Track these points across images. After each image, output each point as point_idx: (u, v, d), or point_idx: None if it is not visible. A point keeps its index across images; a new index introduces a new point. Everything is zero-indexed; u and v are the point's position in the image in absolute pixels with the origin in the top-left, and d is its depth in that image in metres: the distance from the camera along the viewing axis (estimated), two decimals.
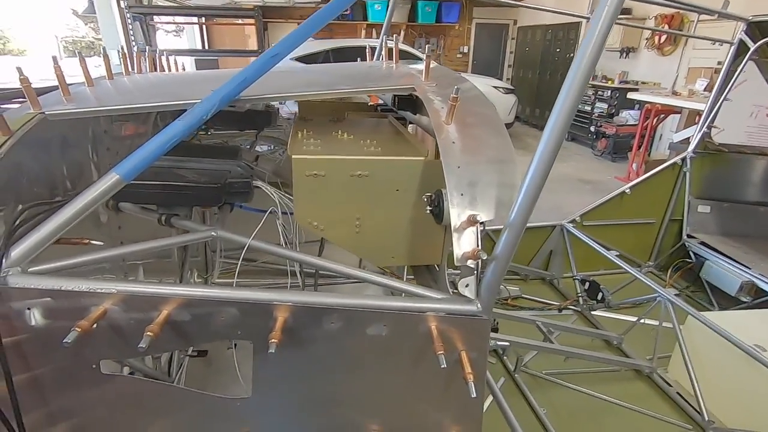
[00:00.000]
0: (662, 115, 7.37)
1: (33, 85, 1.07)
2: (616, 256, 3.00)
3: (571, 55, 9.95)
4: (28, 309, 0.89)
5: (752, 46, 3.09)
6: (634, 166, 7.53)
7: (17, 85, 1.09)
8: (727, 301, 3.22)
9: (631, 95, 8.05)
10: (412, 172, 1.16)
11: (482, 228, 1.03)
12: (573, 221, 3.48)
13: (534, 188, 0.90)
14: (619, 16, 1.04)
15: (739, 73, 3.18)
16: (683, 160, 3.46)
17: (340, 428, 1.12)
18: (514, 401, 2.41)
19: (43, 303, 0.89)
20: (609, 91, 9.10)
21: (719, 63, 6.72)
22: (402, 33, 10.62)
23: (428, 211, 1.09)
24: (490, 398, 2.41)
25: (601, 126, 8.96)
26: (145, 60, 1.92)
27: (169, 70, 2.19)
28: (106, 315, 0.90)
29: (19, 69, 1.06)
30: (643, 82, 8.86)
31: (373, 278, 1.06)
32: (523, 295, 3.31)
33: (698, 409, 2.29)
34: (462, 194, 1.01)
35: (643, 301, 2.79)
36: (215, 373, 2.20)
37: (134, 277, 1.67)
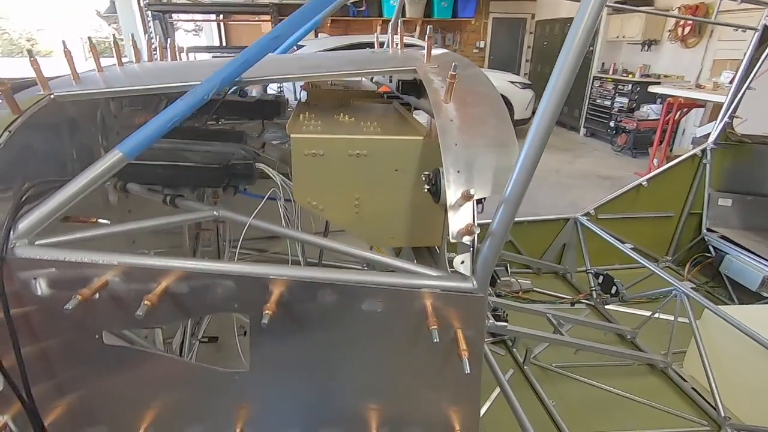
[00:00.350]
0: (685, 109, 7.16)
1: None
2: (631, 249, 2.94)
3: (591, 48, 9.75)
4: (34, 279, 0.92)
5: None
6: (655, 161, 7.34)
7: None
8: (748, 297, 3.12)
9: (652, 88, 7.86)
10: (411, 152, 1.16)
11: (480, 206, 1.02)
12: (587, 214, 3.42)
13: (530, 163, 0.89)
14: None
15: (763, 61, 3.07)
16: (703, 151, 3.36)
17: (338, 406, 1.13)
18: (522, 393, 2.39)
19: (47, 273, 0.92)
20: (630, 85, 8.88)
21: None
22: (418, 28, 10.57)
23: (426, 190, 1.08)
24: (497, 390, 2.39)
25: (621, 121, 8.77)
26: (167, 53, 1.96)
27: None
28: (107, 286, 0.93)
29: (29, 51, 1.09)
30: (666, 76, 8.62)
31: (369, 255, 1.07)
32: (534, 289, 3.27)
33: (714, 405, 2.23)
34: (458, 171, 1.00)
35: (659, 295, 2.72)
36: (225, 358, 2.24)
37: None
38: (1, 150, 0.98)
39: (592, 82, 9.78)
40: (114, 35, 1.46)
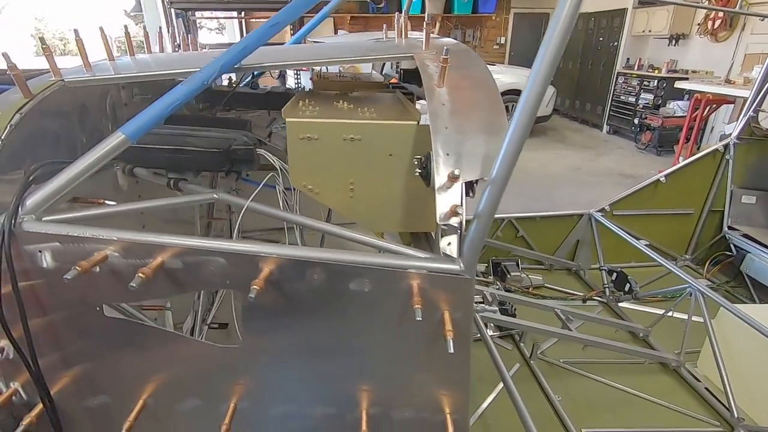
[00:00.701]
0: (713, 106, 6.92)
1: None
2: (646, 246, 2.87)
3: (615, 43, 9.53)
4: (40, 252, 0.97)
5: None
6: (680, 159, 7.12)
7: None
8: None
9: (679, 84, 7.62)
10: (405, 137, 1.17)
11: (471, 191, 1.02)
12: (602, 210, 3.35)
13: (515, 144, 0.89)
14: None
15: None
16: (725, 146, 3.25)
17: (329, 385, 1.15)
18: (528, 387, 2.38)
19: (52, 247, 0.97)
20: (655, 81, 8.64)
21: None
22: (437, 25, 10.52)
23: (417, 174, 1.09)
24: (502, 384, 2.38)
25: (645, 118, 8.54)
26: (189, 46, 2.02)
27: None
28: (107, 260, 0.97)
29: (41, 39, 1.15)
30: (694, 71, 8.35)
31: (359, 237, 1.08)
32: (546, 285, 3.23)
33: (727, 406, 2.17)
34: (448, 154, 1.01)
35: (674, 293, 2.66)
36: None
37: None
38: (12, 131, 1.03)
39: (616, 78, 9.55)
40: (126, 27, 1.51)
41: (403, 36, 1.64)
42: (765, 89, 3.07)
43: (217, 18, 11.04)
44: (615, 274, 3.04)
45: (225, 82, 2.46)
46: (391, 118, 1.19)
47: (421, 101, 1.76)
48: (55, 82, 1.17)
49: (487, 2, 10.47)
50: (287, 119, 1.14)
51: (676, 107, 8.20)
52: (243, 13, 9.31)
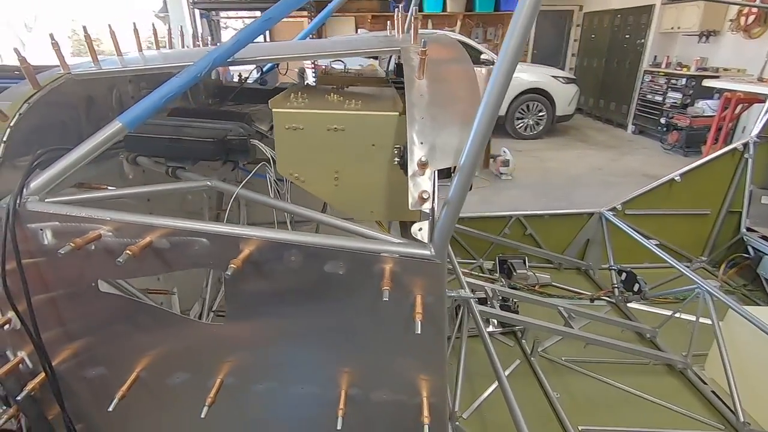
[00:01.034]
0: (744, 105, 6.66)
1: None
2: (656, 245, 2.81)
3: (642, 40, 9.27)
4: (41, 230, 1.06)
5: None
6: None
7: None
8: None
9: (707, 82, 7.36)
10: (386, 127, 1.20)
11: (445, 178, 1.05)
12: (613, 209, 3.30)
13: (483, 131, 0.91)
14: None
15: None
16: (745, 145, 3.14)
17: (310, 365, 1.20)
18: (528, 384, 2.38)
19: (52, 226, 1.06)
20: (684, 80, 8.37)
21: None
22: (459, 23, 10.47)
23: (396, 163, 1.13)
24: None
25: (672, 117, 8.28)
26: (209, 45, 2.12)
27: None
28: (101, 239, 1.05)
29: (51, 35, 1.24)
30: (725, 69, 8.03)
31: (337, 222, 1.13)
32: (553, 283, 3.21)
33: (733, 409, 2.11)
34: (422, 143, 1.04)
35: (685, 293, 2.59)
36: None
37: None
38: (21, 119, 1.12)
39: (643, 76, 9.29)
40: (134, 23, 1.60)
41: (399, 32, 1.67)
42: None
43: (242, 18, 11.28)
44: (624, 274, 2.99)
45: (236, 79, 2.56)
46: (375, 109, 1.23)
47: None
48: (62, 75, 1.25)
49: (510, 0, 10.35)
50: (273, 109, 1.19)
51: (705, 106, 7.92)
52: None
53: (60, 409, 1.21)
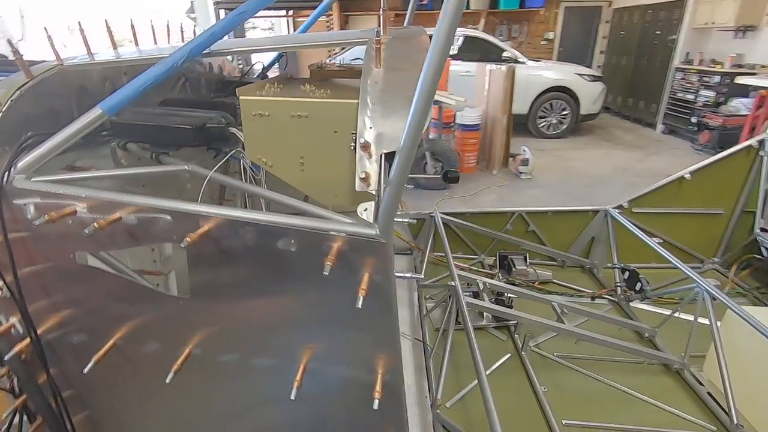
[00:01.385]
0: None
1: None
2: (660, 243, 2.74)
3: (673, 37, 8.95)
4: (25, 205, 1.16)
5: None
6: None
7: None
8: None
9: (740, 79, 7.05)
10: (347, 115, 1.24)
11: (387, 163, 1.09)
12: (619, 207, 3.23)
13: (418, 118, 0.95)
14: None
15: None
16: (761, 142, 3.01)
17: (269, 338, 1.26)
18: (516, 378, 2.38)
19: (35, 202, 1.16)
20: (717, 77, 8.03)
21: None
22: (482, 21, 10.38)
23: (351, 147, 1.18)
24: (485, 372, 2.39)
25: (704, 116, 7.95)
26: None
27: None
28: (76, 214, 1.14)
29: (45, 28, 1.35)
30: (763, 66, 7.66)
31: (293, 203, 1.19)
32: (554, 280, 3.17)
33: (727, 411, 2.05)
34: (371, 128, 1.09)
35: (685, 293, 2.53)
36: None
37: None
38: (12, 105, 1.24)
39: (674, 74, 8.97)
40: (131, 20, 1.71)
41: (381, 26, 1.71)
42: None
43: (269, 17, 11.56)
44: (627, 273, 2.93)
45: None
46: (337, 97, 1.28)
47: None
48: (54, 66, 1.37)
49: None
50: (240, 97, 1.26)
51: (740, 105, 7.58)
52: (290, 12, 9.71)
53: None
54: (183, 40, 2.19)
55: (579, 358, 2.47)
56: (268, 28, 12.60)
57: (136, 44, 1.73)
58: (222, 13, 7.25)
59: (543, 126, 8.94)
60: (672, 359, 2.39)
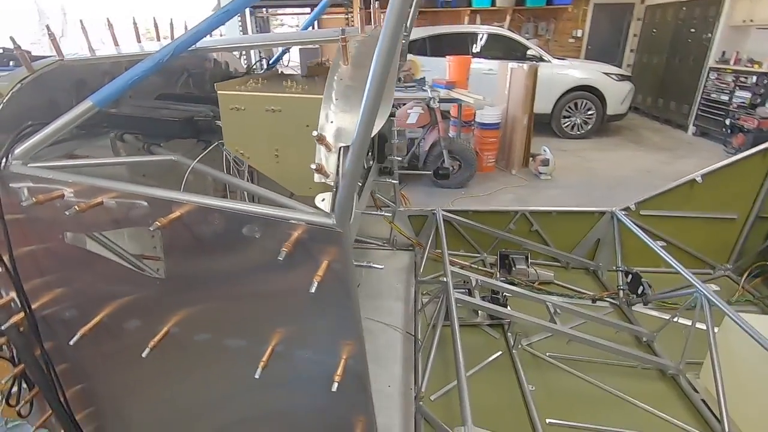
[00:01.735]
0: None
1: None
2: (663, 247, 2.68)
3: (708, 35, 8.58)
4: (20, 189, 1.27)
5: None
6: None
7: None
8: None
9: None
10: (318, 110, 1.30)
11: (347, 155, 1.12)
12: (626, 209, 3.16)
13: (369, 110, 0.99)
14: None
15: None
16: None
17: (239, 320, 1.33)
18: (506, 376, 2.38)
19: (29, 186, 1.26)
20: (755, 77, 7.66)
21: None
22: (508, 18, 10.23)
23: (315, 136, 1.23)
24: (476, 368, 2.41)
25: (739, 119, 7.62)
26: None
27: None
28: (63, 198, 1.24)
29: (47, 26, 1.46)
30: None
31: (262, 192, 1.25)
32: (555, 281, 3.14)
33: (719, 418, 2.00)
34: (331, 122, 1.13)
35: (684, 297, 2.46)
36: None
37: None
38: (13, 97, 1.35)
39: (708, 74, 8.60)
40: (133, 18, 1.81)
41: (359, 25, 1.75)
42: None
43: (296, 14, 11.74)
44: (630, 276, 2.87)
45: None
46: (310, 93, 1.33)
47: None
48: (55, 61, 1.47)
49: None
50: (218, 91, 1.33)
51: None
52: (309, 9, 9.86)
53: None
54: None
55: (573, 360, 2.45)
56: (295, 25, 12.81)
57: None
58: (247, 11, 7.49)
59: (567, 126, 8.75)
60: (667, 364, 2.34)
